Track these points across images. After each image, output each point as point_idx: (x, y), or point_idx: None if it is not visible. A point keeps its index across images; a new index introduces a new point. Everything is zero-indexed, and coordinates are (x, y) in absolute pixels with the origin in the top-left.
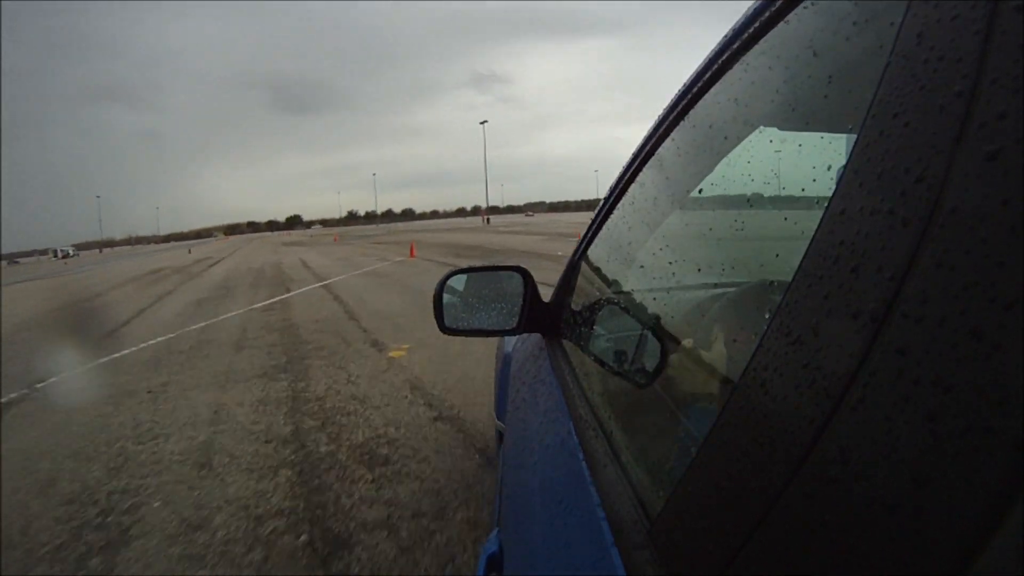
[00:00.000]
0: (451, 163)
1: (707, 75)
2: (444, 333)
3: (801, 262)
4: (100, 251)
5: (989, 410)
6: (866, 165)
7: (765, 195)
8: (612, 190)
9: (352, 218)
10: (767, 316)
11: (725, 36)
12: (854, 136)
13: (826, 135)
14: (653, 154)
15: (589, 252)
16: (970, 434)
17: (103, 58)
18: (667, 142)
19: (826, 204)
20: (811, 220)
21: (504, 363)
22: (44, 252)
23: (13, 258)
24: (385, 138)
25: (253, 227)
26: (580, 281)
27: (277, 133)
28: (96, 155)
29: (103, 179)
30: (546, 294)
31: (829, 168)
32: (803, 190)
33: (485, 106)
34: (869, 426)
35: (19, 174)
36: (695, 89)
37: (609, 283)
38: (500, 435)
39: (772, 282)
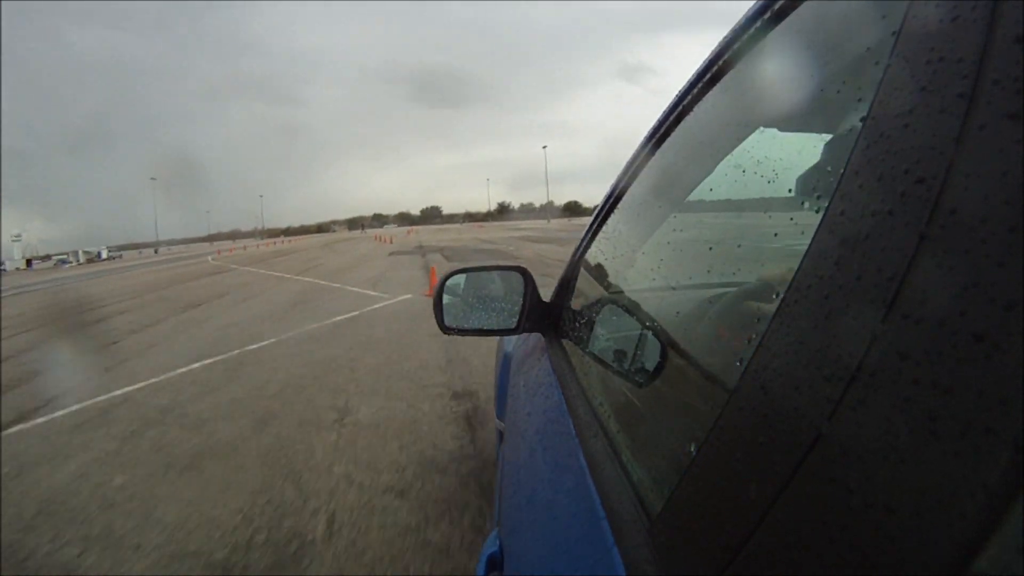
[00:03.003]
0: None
1: (707, 76)
2: (444, 333)
3: (801, 263)
4: (156, 251)
5: (989, 411)
6: (866, 166)
7: (765, 196)
8: (613, 190)
9: (505, 210)
10: (767, 317)
11: (725, 37)
12: (854, 137)
13: (826, 136)
14: (653, 155)
15: (590, 252)
16: (970, 434)
17: (245, 56)
18: (667, 143)
19: (826, 205)
20: (811, 221)
21: (504, 363)
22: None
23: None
24: (530, 133)
25: (380, 219)
26: (580, 281)
27: (417, 127)
28: (235, 146)
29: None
30: (546, 294)
31: (830, 169)
32: (803, 191)
33: (634, 98)
34: (869, 426)
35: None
36: (695, 90)
37: (609, 283)
38: (500, 435)
39: (772, 283)
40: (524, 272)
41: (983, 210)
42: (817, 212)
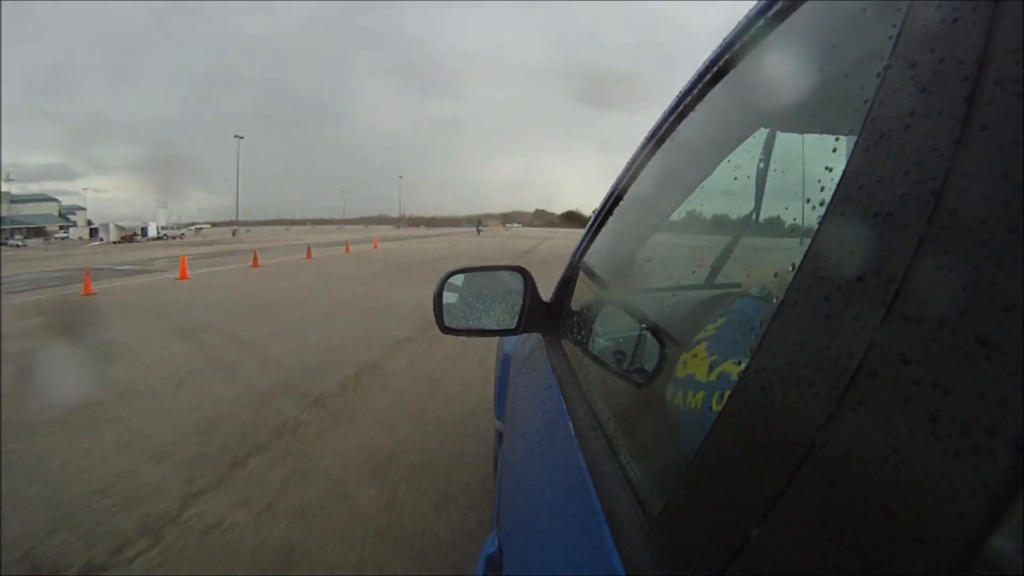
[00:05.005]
0: None
1: (707, 77)
2: (444, 333)
3: (801, 263)
4: (234, 233)
5: (989, 411)
6: (866, 167)
7: (765, 197)
8: (613, 190)
9: None
10: (767, 317)
11: (725, 38)
12: (854, 138)
13: (826, 137)
14: (653, 155)
15: (590, 252)
16: (970, 434)
17: (409, 51)
18: (667, 144)
19: (826, 206)
20: (811, 221)
21: (504, 363)
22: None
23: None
24: None
25: (542, 216)
26: (580, 281)
27: (582, 129)
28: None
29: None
30: (546, 294)
31: (830, 170)
32: (803, 192)
33: None
34: (869, 426)
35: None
36: (695, 91)
37: (609, 283)
38: (500, 435)
39: (772, 284)
40: (524, 272)
41: (983, 211)
42: (817, 213)
